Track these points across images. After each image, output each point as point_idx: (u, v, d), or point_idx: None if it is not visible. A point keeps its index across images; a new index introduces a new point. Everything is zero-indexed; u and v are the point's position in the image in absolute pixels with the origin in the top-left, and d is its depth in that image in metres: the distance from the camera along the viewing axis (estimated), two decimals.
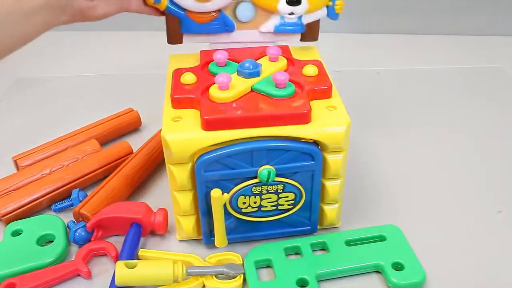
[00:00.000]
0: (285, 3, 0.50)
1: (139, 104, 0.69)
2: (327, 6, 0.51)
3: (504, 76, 0.79)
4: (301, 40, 0.53)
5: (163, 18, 0.51)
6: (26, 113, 0.72)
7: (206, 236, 0.48)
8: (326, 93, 0.46)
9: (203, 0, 0.49)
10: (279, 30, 0.52)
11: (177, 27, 0.51)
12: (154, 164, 0.59)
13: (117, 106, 0.68)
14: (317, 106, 0.45)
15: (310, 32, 0.53)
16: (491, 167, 0.60)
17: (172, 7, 0.50)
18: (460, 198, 0.55)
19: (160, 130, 0.62)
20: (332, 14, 0.52)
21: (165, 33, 0.53)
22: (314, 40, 0.54)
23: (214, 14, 0.51)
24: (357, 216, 0.52)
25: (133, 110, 0.67)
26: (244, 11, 0.51)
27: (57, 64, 0.86)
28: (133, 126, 0.67)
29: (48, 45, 0.91)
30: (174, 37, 0.52)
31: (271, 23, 0.52)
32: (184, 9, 0.50)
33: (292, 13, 0.51)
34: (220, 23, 0.51)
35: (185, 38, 0.53)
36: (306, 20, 0.52)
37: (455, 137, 0.65)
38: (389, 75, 0.79)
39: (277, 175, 0.45)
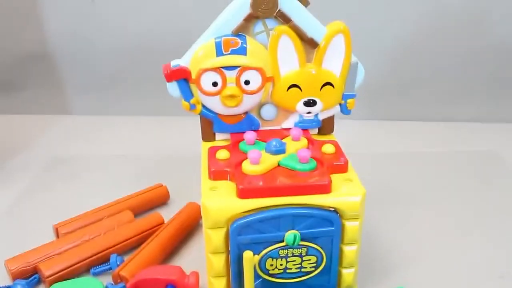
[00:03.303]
0: (302, 104, 0.57)
1: (165, 181, 0.75)
2: (340, 104, 0.59)
3: (498, 158, 0.86)
4: (318, 133, 0.60)
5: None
6: (60, 188, 0.78)
7: None
8: (343, 168, 0.53)
9: (232, 106, 0.56)
10: (299, 127, 0.58)
11: (210, 127, 0.59)
12: (185, 232, 0.64)
13: (147, 183, 0.75)
14: (336, 179, 0.52)
15: (326, 126, 0.60)
16: (490, 238, 0.66)
17: (206, 111, 0.57)
18: (463, 266, 0.61)
19: (189, 203, 0.69)
20: (344, 110, 0.59)
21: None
22: (330, 133, 0.61)
23: (242, 115, 0.58)
24: (370, 280, 0.58)
25: (162, 185, 0.74)
26: (268, 111, 0.58)
27: (92, 145, 0.94)
28: (162, 200, 0.73)
29: (82, 127, 1.00)
30: (207, 136, 0.60)
31: (291, 120, 0.59)
32: (215, 113, 0.57)
33: (309, 112, 0.58)
34: (247, 122, 0.58)
35: (217, 136, 0.60)
36: (322, 116, 0.59)
37: (454, 212, 0.71)
38: (392, 157, 0.87)
39: (301, 239, 0.50)
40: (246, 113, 0.58)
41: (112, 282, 0.57)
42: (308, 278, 0.53)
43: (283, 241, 0.50)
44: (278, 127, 0.60)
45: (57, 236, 0.65)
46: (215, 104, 0.57)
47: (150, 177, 0.78)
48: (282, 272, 0.52)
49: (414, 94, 1.01)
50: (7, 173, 0.83)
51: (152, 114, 1.02)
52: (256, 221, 0.49)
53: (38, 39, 1.00)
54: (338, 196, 0.50)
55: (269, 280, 0.53)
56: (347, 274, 0.54)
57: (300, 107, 0.58)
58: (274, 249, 0.51)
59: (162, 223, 0.66)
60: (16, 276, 0.58)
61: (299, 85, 0.56)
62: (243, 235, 0.50)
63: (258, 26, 0.54)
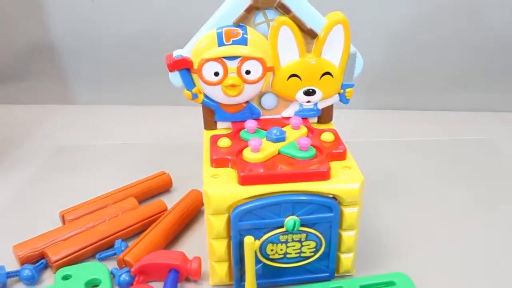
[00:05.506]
0: (302, 93, 0.59)
1: (168, 169, 0.77)
2: (339, 93, 0.60)
3: (493, 147, 0.88)
4: (317, 122, 0.62)
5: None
6: (66, 177, 0.80)
7: (237, 281, 0.55)
8: (341, 156, 0.54)
9: (233, 95, 0.57)
10: (299, 115, 0.60)
11: (212, 116, 0.60)
12: (188, 218, 0.66)
13: (150, 171, 0.76)
14: (334, 166, 0.53)
15: (325, 115, 0.61)
16: (485, 225, 0.67)
17: (207, 101, 0.59)
18: (459, 252, 0.62)
19: (192, 190, 0.70)
20: (343, 99, 0.60)
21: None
22: (329, 122, 0.62)
23: (243, 104, 0.59)
24: (368, 265, 0.59)
25: (165, 173, 0.75)
26: (268, 100, 0.60)
27: (96, 134, 0.95)
28: (165, 187, 0.75)
29: (85, 117, 1.02)
30: (209, 125, 0.61)
31: (291, 109, 0.60)
32: (217, 102, 0.59)
33: (309, 101, 0.59)
34: (248, 111, 0.60)
35: (219, 125, 0.61)
36: (321, 105, 0.60)
37: (451, 199, 0.73)
38: (389, 146, 0.89)
39: (301, 225, 0.52)
40: (247, 102, 0.59)
41: (117, 267, 0.59)
42: (307, 263, 0.55)
43: (283, 226, 0.52)
44: (279, 116, 0.61)
45: (63, 222, 0.67)
46: (217, 94, 0.58)
47: (153, 165, 0.79)
48: (282, 257, 0.54)
49: (411, 83, 1.02)
50: (13, 162, 0.84)
51: (155, 104, 1.03)
52: (257, 207, 0.51)
53: (41, 29, 1.01)
54: (337, 183, 0.52)
55: (269, 265, 0.54)
56: (346, 259, 0.56)
57: (300, 96, 0.59)
58: (274, 234, 0.52)
59: (165, 209, 0.68)
60: (24, 261, 0.60)
61: (299, 74, 0.57)
62: (244, 221, 0.51)
63: (259, 17, 0.55)
